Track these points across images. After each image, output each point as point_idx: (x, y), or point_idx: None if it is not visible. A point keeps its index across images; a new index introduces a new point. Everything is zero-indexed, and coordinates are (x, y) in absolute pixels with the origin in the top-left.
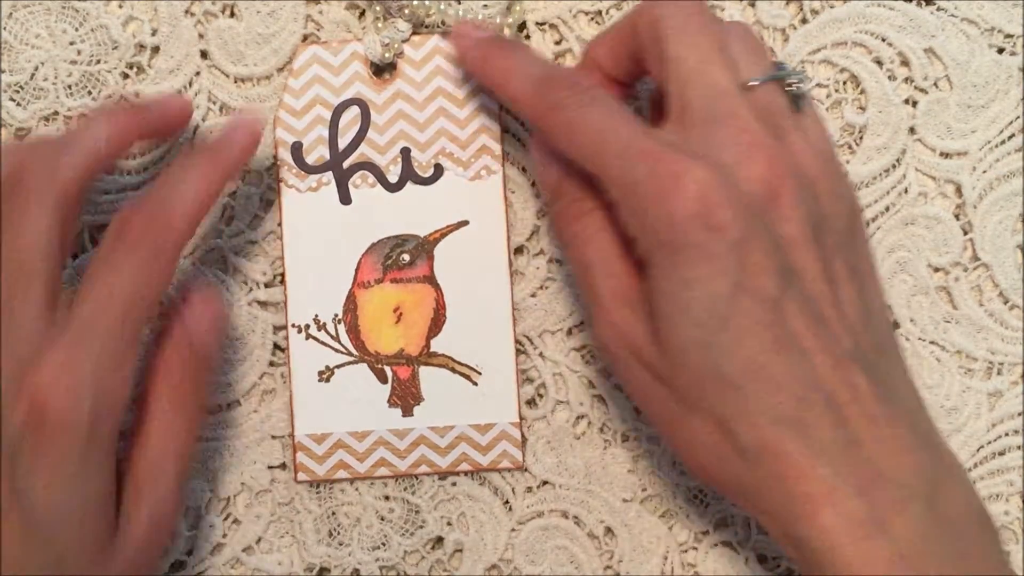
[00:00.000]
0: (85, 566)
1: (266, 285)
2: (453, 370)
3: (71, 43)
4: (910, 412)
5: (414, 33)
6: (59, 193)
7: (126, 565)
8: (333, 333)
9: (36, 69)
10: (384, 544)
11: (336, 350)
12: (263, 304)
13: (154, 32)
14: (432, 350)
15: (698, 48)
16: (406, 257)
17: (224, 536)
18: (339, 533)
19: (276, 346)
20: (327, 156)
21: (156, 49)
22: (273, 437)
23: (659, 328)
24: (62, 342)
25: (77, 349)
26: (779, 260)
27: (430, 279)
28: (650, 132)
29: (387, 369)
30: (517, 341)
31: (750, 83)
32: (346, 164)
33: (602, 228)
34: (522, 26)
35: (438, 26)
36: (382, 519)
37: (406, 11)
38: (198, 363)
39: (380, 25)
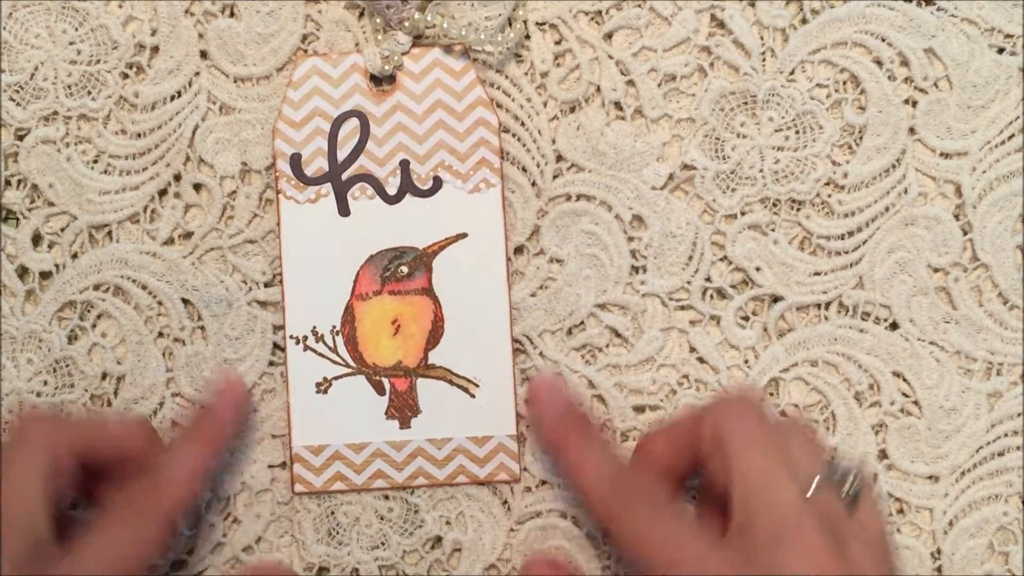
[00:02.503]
0: None
1: (266, 285)
2: (451, 382)
3: (71, 43)
4: None
5: (414, 45)
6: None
7: None
8: (331, 345)
9: (36, 69)
10: (383, 544)
11: (334, 362)
12: (263, 304)
13: (154, 32)
14: (430, 362)
15: (763, 463)
16: (404, 269)
17: (224, 536)
18: (338, 533)
19: (276, 346)
20: (326, 168)
21: (156, 49)
22: (273, 436)
23: None
24: None
25: None
26: None
27: (428, 291)
28: (717, 549)
29: (385, 381)
30: (517, 341)
31: (811, 491)
32: (345, 176)
33: None
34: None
35: (438, 39)
36: (381, 518)
37: (406, 23)
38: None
39: (380, 37)
